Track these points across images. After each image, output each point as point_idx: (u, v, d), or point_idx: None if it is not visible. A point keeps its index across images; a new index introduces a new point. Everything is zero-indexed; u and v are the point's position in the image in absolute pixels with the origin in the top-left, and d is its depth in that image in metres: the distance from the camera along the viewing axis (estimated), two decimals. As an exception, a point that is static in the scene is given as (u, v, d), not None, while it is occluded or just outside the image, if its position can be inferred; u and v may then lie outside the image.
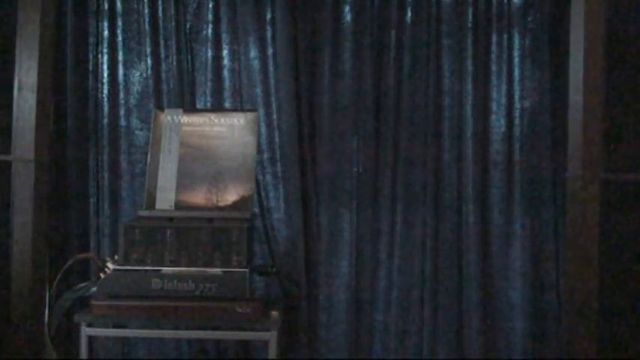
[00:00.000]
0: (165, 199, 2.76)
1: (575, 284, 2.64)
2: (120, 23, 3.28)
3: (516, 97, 3.23)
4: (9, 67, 2.77)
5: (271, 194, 3.26)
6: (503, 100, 3.23)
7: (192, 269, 2.54)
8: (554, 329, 3.17)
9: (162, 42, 3.27)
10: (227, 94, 3.28)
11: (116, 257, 2.62)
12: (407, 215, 3.24)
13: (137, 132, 3.29)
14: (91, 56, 3.28)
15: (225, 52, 3.27)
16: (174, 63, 3.26)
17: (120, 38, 3.28)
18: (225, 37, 3.27)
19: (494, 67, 3.24)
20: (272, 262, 3.09)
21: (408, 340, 3.22)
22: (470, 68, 3.21)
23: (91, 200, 3.27)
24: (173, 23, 3.26)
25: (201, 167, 2.81)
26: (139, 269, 2.54)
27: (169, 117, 2.88)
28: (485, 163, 3.23)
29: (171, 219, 2.67)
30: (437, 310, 3.22)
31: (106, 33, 3.28)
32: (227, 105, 3.27)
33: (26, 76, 2.74)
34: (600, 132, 2.62)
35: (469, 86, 3.22)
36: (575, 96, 2.66)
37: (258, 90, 3.26)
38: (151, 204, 2.76)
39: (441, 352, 3.21)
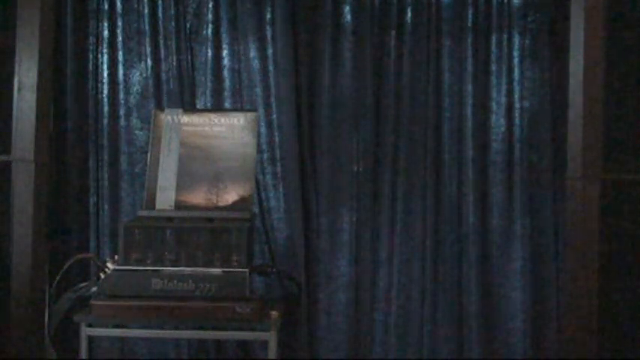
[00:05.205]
0: (165, 199, 2.76)
1: (575, 284, 2.64)
2: (120, 23, 3.28)
3: (516, 97, 3.23)
4: (9, 67, 2.77)
5: (271, 194, 3.26)
6: (503, 100, 3.23)
7: (192, 269, 2.53)
8: (554, 329, 3.17)
9: (162, 42, 3.27)
10: (227, 94, 3.28)
11: (116, 257, 2.62)
12: (407, 215, 3.25)
13: (137, 132, 3.29)
14: (91, 56, 3.28)
15: (225, 52, 3.27)
16: (174, 63, 3.26)
17: (120, 38, 3.28)
18: (225, 37, 3.27)
19: (494, 67, 3.24)
20: (272, 262, 3.09)
21: (408, 340, 3.23)
22: (470, 68, 3.22)
23: (91, 200, 3.27)
24: (173, 23, 3.26)
25: (201, 167, 2.80)
26: (138, 269, 2.54)
27: (169, 117, 2.88)
28: (485, 163, 3.23)
29: (171, 219, 2.67)
30: (437, 310, 3.22)
31: (106, 33, 3.28)
32: (227, 105, 3.27)
33: (26, 76, 2.73)
34: (600, 132, 2.62)
35: (469, 86, 3.22)
36: (575, 96, 2.66)
37: (258, 90, 3.26)
38: (151, 204, 2.75)
39: (441, 352, 3.21)
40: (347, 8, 3.26)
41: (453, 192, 3.24)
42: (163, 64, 3.28)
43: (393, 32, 3.25)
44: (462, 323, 3.22)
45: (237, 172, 2.79)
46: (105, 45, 3.28)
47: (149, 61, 3.27)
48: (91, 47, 3.28)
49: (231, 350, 3.24)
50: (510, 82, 3.23)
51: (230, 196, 2.77)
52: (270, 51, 3.25)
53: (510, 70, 3.23)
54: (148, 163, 2.83)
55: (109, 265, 2.62)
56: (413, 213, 3.25)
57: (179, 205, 2.75)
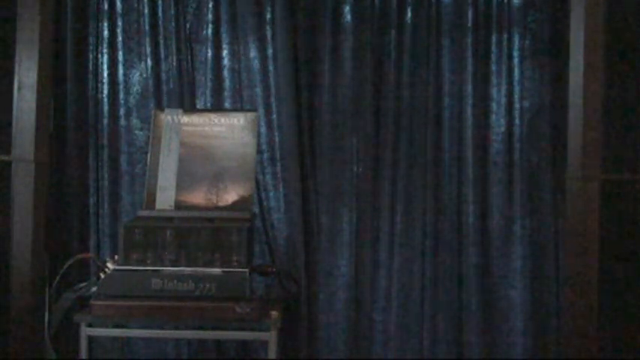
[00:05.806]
0: (165, 199, 2.76)
1: (575, 284, 2.64)
2: (120, 23, 3.28)
3: (516, 97, 3.23)
4: (9, 67, 2.77)
5: (271, 194, 3.26)
6: (503, 100, 3.23)
7: (192, 269, 2.54)
8: (554, 329, 3.17)
9: (162, 42, 3.27)
10: (227, 94, 3.28)
11: (116, 257, 2.62)
12: (407, 215, 3.24)
13: (137, 132, 3.29)
14: (91, 56, 3.28)
15: (225, 52, 3.27)
16: (174, 63, 3.26)
17: (120, 38, 3.28)
18: (225, 37, 3.27)
19: (494, 67, 3.24)
20: (272, 262, 3.09)
21: (408, 340, 3.23)
22: (470, 68, 3.22)
23: (91, 200, 3.27)
24: (173, 23, 3.26)
25: (201, 167, 2.81)
26: (138, 269, 2.54)
27: (169, 117, 2.88)
28: (485, 163, 3.23)
29: (171, 219, 2.67)
30: (437, 310, 3.22)
31: (106, 33, 3.28)
32: (227, 105, 3.27)
33: (26, 76, 2.74)
34: (600, 132, 2.62)
35: (469, 86, 3.22)
36: (575, 96, 2.66)
37: (258, 90, 3.26)
38: (151, 204, 2.76)
39: (441, 352, 3.21)
40: (347, 8, 3.26)
41: (453, 192, 3.24)
42: (163, 64, 3.28)
43: (393, 32, 3.25)
44: (461, 323, 3.22)
45: (237, 172, 2.79)
46: (105, 45, 3.28)
47: (149, 61, 3.27)
48: (91, 47, 3.28)
49: (231, 350, 3.24)
50: (510, 82, 3.23)
51: (230, 196, 2.77)
52: (270, 51, 3.25)
53: (510, 70, 3.23)
54: (148, 163, 2.84)
55: (109, 265, 2.62)
56: (413, 213, 3.25)
57: (179, 205, 2.75)
